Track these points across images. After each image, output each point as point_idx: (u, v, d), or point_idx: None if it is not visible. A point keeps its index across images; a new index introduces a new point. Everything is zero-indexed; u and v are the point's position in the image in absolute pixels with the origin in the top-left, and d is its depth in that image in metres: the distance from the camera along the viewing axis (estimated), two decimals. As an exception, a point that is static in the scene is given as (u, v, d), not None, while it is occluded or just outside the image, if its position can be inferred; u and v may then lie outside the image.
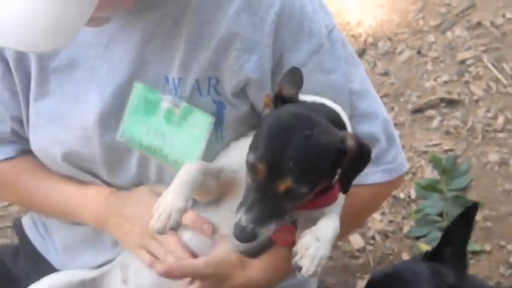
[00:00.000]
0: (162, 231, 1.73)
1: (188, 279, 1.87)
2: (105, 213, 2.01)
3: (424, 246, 2.85)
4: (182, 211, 1.73)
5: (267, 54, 1.88)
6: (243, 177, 1.72)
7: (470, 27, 3.62)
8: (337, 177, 1.71)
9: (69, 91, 1.97)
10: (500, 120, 3.25)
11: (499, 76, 3.40)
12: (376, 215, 2.98)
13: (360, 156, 1.67)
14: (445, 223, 2.88)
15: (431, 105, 3.34)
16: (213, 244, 1.87)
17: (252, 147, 1.67)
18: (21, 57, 1.98)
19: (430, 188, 3.00)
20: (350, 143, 1.64)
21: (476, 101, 3.33)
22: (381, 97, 3.33)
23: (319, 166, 1.65)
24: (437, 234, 2.86)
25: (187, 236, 1.93)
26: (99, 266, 2.06)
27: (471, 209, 1.92)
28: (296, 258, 1.69)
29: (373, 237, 2.94)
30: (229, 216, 1.74)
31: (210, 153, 1.90)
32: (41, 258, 2.25)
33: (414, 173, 3.12)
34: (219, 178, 1.85)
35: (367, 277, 2.81)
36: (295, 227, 1.81)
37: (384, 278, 2.00)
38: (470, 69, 3.45)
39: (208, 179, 1.80)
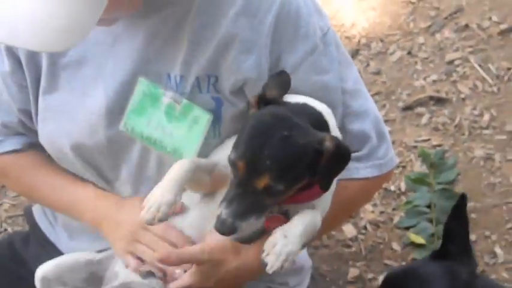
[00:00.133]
0: (150, 222, 1.74)
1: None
2: (100, 216, 2.03)
3: (413, 236, 2.85)
4: (171, 204, 1.74)
5: (264, 55, 1.88)
6: None
7: (458, 30, 3.62)
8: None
9: (77, 86, 1.97)
10: (486, 117, 3.25)
11: (485, 76, 3.40)
12: (368, 206, 2.99)
13: (338, 157, 1.67)
14: (433, 214, 2.89)
15: (421, 103, 3.34)
16: (209, 233, 1.87)
17: (235, 145, 1.69)
18: (33, 55, 1.99)
19: (419, 181, 3.00)
20: (327, 144, 1.64)
21: (463, 99, 3.33)
22: (373, 95, 3.35)
23: (296, 166, 1.65)
24: (426, 225, 2.87)
25: (184, 224, 1.94)
26: (104, 252, 2.08)
27: (461, 201, 1.92)
28: (263, 255, 1.69)
29: (365, 227, 2.94)
30: None
31: (207, 147, 1.91)
32: (50, 245, 2.25)
33: (404, 167, 3.12)
34: (212, 173, 1.85)
35: (359, 265, 2.83)
36: (287, 218, 1.81)
37: (399, 276, 1.98)
38: (457, 69, 3.45)
39: (201, 174, 1.80)
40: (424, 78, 3.43)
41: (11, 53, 2.01)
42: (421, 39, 3.60)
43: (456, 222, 1.90)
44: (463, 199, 1.92)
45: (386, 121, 3.23)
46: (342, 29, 3.71)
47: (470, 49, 3.52)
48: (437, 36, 3.60)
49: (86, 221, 2.06)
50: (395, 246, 2.88)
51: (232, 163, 1.67)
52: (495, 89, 3.35)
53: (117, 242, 1.98)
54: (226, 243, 1.85)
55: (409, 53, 3.56)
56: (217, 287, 1.87)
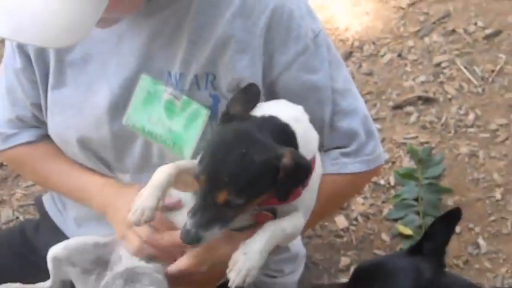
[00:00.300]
0: (137, 224, 1.75)
1: None
2: (105, 202, 2.03)
3: (402, 228, 2.86)
4: (154, 209, 1.74)
5: (258, 55, 1.88)
6: None
7: (446, 34, 3.61)
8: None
9: (83, 82, 1.97)
10: (471, 116, 3.25)
11: (471, 77, 3.40)
12: (359, 199, 2.99)
13: (296, 172, 1.65)
14: (420, 207, 2.89)
15: (410, 103, 3.33)
16: None
17: (199, 160, 1.68)
18: (41, 51, 1.98)
19: (407, 175, 3.00)
20: (285, 161, 1.62)
21: (450, 100, 3.33)
22: (365, 94, 3.36)
23: (254, 182, 1.64)
24: (413, 217, 2.88)
25: (180, 218, 1.94)
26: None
27: (455, 213, 1.90)
28: (227, 271, 1.71)
29: (356, 219, 2.94)
30: None
31: (205, 142, 1.90)
32: (59, 232, 2.26)
33: (393, 162, 3.12)
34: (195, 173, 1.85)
35: (350, 254, 2.83)
36: (275, 215, 1.81)
37: (369, 268, 1.99)
38: (444, 71, 3.45)
39: (185, 176, 1.79)
40: (413, 79, 3.43)
41: (22, 50, 2.01)
42: (410, 43, 3.60)
43: (442, 227, 1.90)
44: (457, 212, 1.90)
45: (377, 119, 3.25)
46: (337, 32, 3.70)
47: (456, 52, 3.52)
48: (426, 39, 3.60)
49: (94, 207, 2.06)
50: (385, 236, 2.87)
51: (196, 176, 1.67)
52: (480, 90, 3.35)
53: (117, 226, 1.99)
54: None
55: (399, 55, 3.55)
56: (211, 271, 1.86)
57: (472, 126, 3.21)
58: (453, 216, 1.90)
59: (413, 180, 2.98)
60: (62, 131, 2.04)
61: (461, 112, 3.27)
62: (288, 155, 1.63)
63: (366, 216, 2.94)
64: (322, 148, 1.99)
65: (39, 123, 2.11)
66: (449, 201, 2.93)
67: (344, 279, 2.10)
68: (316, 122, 1.93)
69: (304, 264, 2.40)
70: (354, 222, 2.93)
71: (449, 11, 3.72)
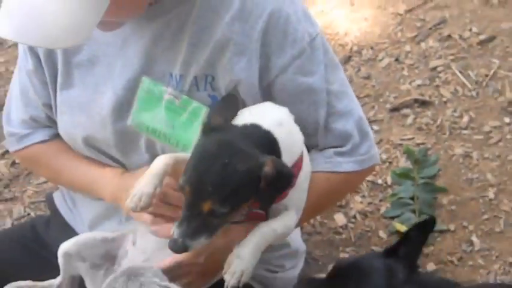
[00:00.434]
0: (134, 210, 1.76)
1: None
2: (118, 191, 2.02)
3: (398, 225, 2.85)
4: (151, 195, 1.75)
5: (255, 58, 1.87)
6: None
7: (442, 39, 3.61)
8: None
9: (90, 83, 1.97)
10: (465, 119, 3.24)
11: (465, 81, 3.40)
12: (357, 198, 2.98)
13: (277, 181, 1.65)
14: (416, 206, 2.88)
15: (407, 105, 3.33)
16: None
17: (184, 171, 1.68)
18: (50, 53, 1.99)
19: (403, 175, 3.00)
20: (267, 169, 1.62)
21: (445, 102, 3.32)
22: (363, 97, 3.35)
23: (236, 191, 1.64)
24: (409, 215, 2.87)
25: None
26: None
27: (430, 222, 1.96)
28: (222, 273, 1.72)
29: (354, 216, 2.93)
30: None
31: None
32: (69, 228, 2.25)
33: (390, 163, 3.11)
34: None
35: (348, 250, 2.82)
36: (267, 214, 1.82)
37: (347, 266, 2.01)
38: (440, 75, 3.44)
39: (181, 166, 1.77)
40: (410, 83, 3.42)
41: (33, 52, 2.01)
42: (407, 48, 3.59)
43: (417, 233, 1.93)
44: (431, 221, 1.96)
45: (375, 121, 3.24)
46: (336, 37, 3.70)
47: (452, 57, 3.51)
48: (422, 45, 3.60)
49: (106, 197, 2.06)
50: (382, 234, 2.87)
51: (180, 187, 1.67)
52: (474, 93, 3.34)
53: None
54: None
55: (397, 59, 3.55)
56: (207, 263, 1.86)
57: (466, 128, 3.20)
58: (428, 225, 1.95)
59: (410, 180, 2.97)
60: (69, 130, 2.04)
61: (456, 115, 3.26)
62: (269, 163, 1.63)
63: (364, 214, 2.93)
64: (317, 147, 1.99)
65: (52, 122, 2.11)
66: (444, 200, 2.93)
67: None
68: (311, 123, 1.93)
69: (304, 260, 2.39)
70: (353, 220, 2.92)
71: (445, 17, 3.72)
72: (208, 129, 1.72)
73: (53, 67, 2.01)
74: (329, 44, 2.01)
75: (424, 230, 1.94)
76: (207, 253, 1.83)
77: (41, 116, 2.10)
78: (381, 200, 2.97)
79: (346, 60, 3.55)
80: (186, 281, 1.90)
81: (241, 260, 1.71)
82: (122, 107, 1.94)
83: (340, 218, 2.92)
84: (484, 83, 3.38)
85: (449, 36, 3.62)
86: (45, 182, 3.13)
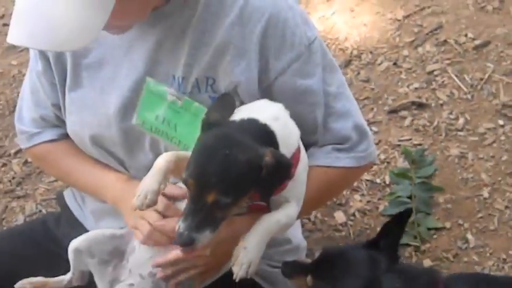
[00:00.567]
0: (140, 208, 1.75)
1: None
2: (119, 196, 2.03)
3: (396, 224, 2.84)
4: (156, 192, 1.74)
5: (254, 60, 1.88)
6: None
7: (438, 44, 3.60)
8: None
9: (97, 84, 1.98)
10: (461, 121, 3.23)
11: (461, 85, 3.39)
12: (357, 196, 2.98)
13: (277, 170, 1.64)
14: (413, 204, 2.87)
15: (404, 107, 3.32)
16: None
17: (186, 166, 1.67)
18: (59, 56, 2.00)
19: (401, 175, 2.99)
20: (267, 159, 1.62)
21: (441, 105, 3.31)
22: (363, 100, 3.35)
23: (239, 180, 1.64)
24: (407, 213, 2.85)
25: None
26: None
27: (405, 213, 1.97)
28: (230, 265, 1.72)
29: (353, 214, 2.93)
30: None
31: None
32: (78, 224, 2.26)
33: (389, 163, 3.10)
34: None
35: (348, 247, 2.81)
36: (268, 205, 1.81)
37: (332, 254, 2.02)
38: (437, 78, 3.43)
39: (183, 164, 1.77)
40: (407, 86, 3.41)
41: (43, 54, 2.02)
42: (405, 52, 3.59)
43: (395, 225, 1.95)
44: (407, 212, 1.97)
45: (373, 123, 3.24)
46: (337, 42, 3.69)
47: (448, 61, 3.51)
48: (420, 49, 3.59)
49: (108, 200, 2.06)
50: (380, 231, 2.86)
51: (184, 181, 1.67)
52: (469, 96, 3.33)
53: (128, 219, 1.99)
54: None
55: (395, 63, 3.54)
56: (214, 255, 1.85)
57: (461, 130, 3.19)
58: (404, 217, 1.96)
59: (407, 179, 2.97)
60: (77, 129, 2.04)
61: (452, 117, 3.25)
62: (269, 154, 1.63)
63: (363, 212, 2.93)
64: (317, 144, 2.00)
65: (61, 122, 2.12)
66: (440, 199, 2.92)
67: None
68: (310, 123, 1.94)
69: (305, 256, 2.39)
70: (352, 218, 2.92)
71: (442, 23, 3.71)
72: (207, 125, 1.71)
73: (62, 69, 2.02)
74: (330, 48, 2.02)
75: (400, 221, 1.97)
76: (212, 246, 1.82)
77: (50, 115, 2.11)
78: (379, 199, 2.97)
79: (346, 64, 3.55)
80: (193, 274, 1.89)
81: (248, 251, 1.71)
82: (127, 107, 1.95)
83: (340, 216, 2.92)
84: (479, 87, 3.37)
85: (445, 41, 3.61)
86: (56, 181, 3.13)
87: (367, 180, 3.02)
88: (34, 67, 2.08)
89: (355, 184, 3.00)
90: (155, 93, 1.91)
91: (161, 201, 1.86)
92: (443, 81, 3.41)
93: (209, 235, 1.67)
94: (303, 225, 2.74)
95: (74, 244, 2.02)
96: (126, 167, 2.04)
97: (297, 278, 2.03)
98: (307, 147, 1.92)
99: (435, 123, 3.23)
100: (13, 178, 3.20)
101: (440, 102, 3.32)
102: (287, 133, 1.76)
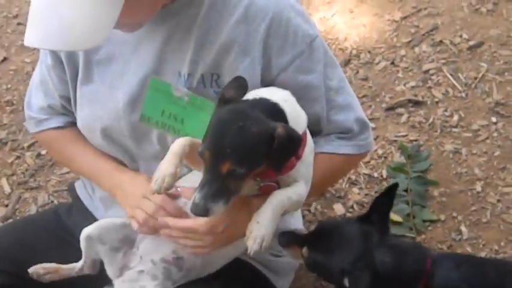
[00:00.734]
0: (158, 192, 1.74)
1: None
2: (115, 187, 2.05)
3: (392, 215, 2.82)
4: (174, 175, 1.74)
5: (257, 58, 1.88)
6: None
7: (434, 44, 3.60)
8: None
9: (107, 79, 1.98)
10: (455, 118, 3.23)
11: (455, 83, 3.38)
12: (355, 189, 2.98)
13: (288, 142, 1.65)
14: (409, 197, 2.87)
15: (401, 105, 3.32)
16: None
17: (203, 140, 1.68)
18: (71, 53, 2.00)
19: (398, 169, 2.99)
20: (279, 131, 1.62)
21: (437, 103, 3.31)
22: (361, 97, 3.35)
23: (252, 150, 1.64)
24: (403, 206, 2.86)
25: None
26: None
27: (392, 188, 2.02)
28: (245, 239, 1.72)
29: (352, 207, 2.93)
30: None
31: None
32: (89, 214, 2.26)
33: (386, 157, 3.10)
34: None
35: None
36: (278, 185, 1.82)
37: (328, 226, 2.05)
38: (432, 77, 3.43)
39: (196, 149, 1.77)
40: (404, 84, 3.41)
41: (53, 51, 2.03)
42: (402, 52, 3.58)
43: (384, 200, 2.01)
44: (393, 187, 2.02)
45: (371, 119, 3.23)
46: (337, 42, 3.69)
47: (443, 61, 3.50)
48: (416, 49, 3.59)
49: (105, 188, 2.08)
50: (377, 223, 2.86)
51: (201, 153, 1.67)
52: (463, 94, 3.33)
53: (126, 208, 2.00)
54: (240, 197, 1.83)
55: (392, 63, 3.54)
56: (225, 233, 1.85)
57: (456, 127, 3.19)
58: (391, 190, 2.02)
59: (403, 174, 2.96)
60: (89, 122, 2.05)
61: (447, 114, 3.25)
62: (280, 127, 1.64)
63: (361, 205, 2.93)
64: (321, 134, 2.01)
65: (67, 111, 2.15)
66: (435, 193, 2.92)
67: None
68: (313, 117, 1.94)
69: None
70: (350, 210, 2.92)
71: (438, 24, 3.71)
72: (222, 101, 1.72)
73: (74, 66, 2.03)
74: (330, 48, 2.02)
75: (389, 196, 2.01)
76: (225, 224, 1.82)
77: (57, 105, 2.15)
78: (376, 192, 2.97)
79: (346, 63, 3.55)
80: (197, 245, 1.88)
81: (261, 225, 1.71)
82: (136, 102, 1.95)
83: (339, 208, 2.92)
84: (473, 85, 3.36)
85: (441, 41, 3.61)
86: (67, 173, 3.13)
87: (365, 174, 3.02)
88: (44, 60, 2.11)
89: (354, 177, 3.01)
90: (160, 90, 1.92)
91: (158, 197, 1.88)
92: (438, 80, 3.41)
93: (223, 206, 1.66)
94: (303, 217, 2.74)
95: (86, 232, 2.03)
96: (135, 158, 2.05)
97: (293, 248, 2.05)
98: (311, 136, 1.93)
99: (430, 120, 3.23)
100: (26, 170, 3.20)
101: (436, 100, 3.32)
102: (296, 114, 1.77)
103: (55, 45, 1.65)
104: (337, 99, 2.00)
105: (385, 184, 2.98)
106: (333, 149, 2.01)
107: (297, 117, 1.77)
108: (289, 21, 1.89)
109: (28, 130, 2.27)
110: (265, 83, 1.91)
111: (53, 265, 2.09)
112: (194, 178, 1.85)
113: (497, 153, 3.05)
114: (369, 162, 3.06)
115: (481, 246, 2.72)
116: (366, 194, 2.96)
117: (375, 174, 3.03)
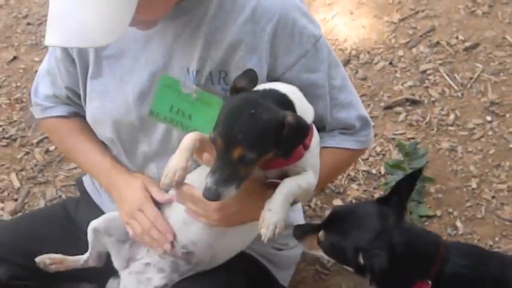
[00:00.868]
0: (170, 185, 1.75)
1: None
2: (111, 185, 2.07)
3: (390, 211, 2.83)
4: (185, 169, 1.75)
5: (264, 57, 1.89)
6: None
7: (431, 46, 3.60)
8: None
9: (117, 74, 1.99)
10: (451, 117, 3.23)
11: (452, 83, 3.38)
12: (354, 185, 2.98)
13: (297, 129, 1.66)
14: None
15: (399, 104, 3.32)
16: None
17: (214, 126, 1.68)
18: (82, 49, 2.01)
19: (395, 166, 2.99)
20: (289, 118, 1.64)
21: (434, 102, 3.31)
22: (360, 96, 3.26)
23: (263, 136, 1.64)
24: (400, 202, 2.85)
25: (171, 213, 1.95)
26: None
27: (416, 173, 1.99)
28: (258, 227, 1.72)
29: (351, 202, 2.92)
30: None
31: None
32: (96, 207, 2.26)
33: (384, 155, 3.10)
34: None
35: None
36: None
37: (342, 211, 2.03)
38: (429, 77, 3.43)
39: (205, 145, 1.79)
40: (402, 84, 3.41)
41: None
42: (400, 53, 3.58)
43: (406, 184, 1.96)
44: (418, 172, 1.98)
45: (370, 118, 3.22)
46: (337, 42, 3.69)
47: (440, 61, 3.50)
48: (414, 50, 3.59)
49: (102, 185, 2.12)
50: (375, 218, 2.86)
51: (213, 140, 1.67)
52: (459, 94, 3.33)
53: (121, 212, 2.01)
54: (257, 187, 1.84)
55: (391, 63, 3.54)
56: (234, 215, 1.86)
57: (452, 125, 3.19)
58: (414, 177, 1.98)
59: (401, 170, 2.96)
60: (99, 115, 2.05)
61: (443, 113, 3.25)
62: (290, 115, 1.65)
63: (360, 200, 2.92)
64: (324, 130, 2.02)
65: (71, 102, 2.17)
66: (432, 189, 2.92)
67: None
68: (317, 114, 1.94)
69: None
70: (349, 205, 2.92)
71: (435, 26, 3.70)
72: (234, 90, 1.73)
73: (85, 62, 2.04)
74: (330, 48, 2.02)
75: (411, 181, 1.97)
76: (234, 208, 1.83)
77: (63, 95, 2.17)
78: (374, 188, 2.97)
79: (345, 63, 3.54)
80: (203, 216, 1.88)
81: (273, 212, 1.71)
82: (145, 96, 1.96)
83: (338, 203, 2.91)
84: (469, 85, 3.36)
85: (438, 42, 3.61)
86: (75, 168, 3.14)
87: (364, 170, 3.02)
88: (53, 53, 2.12)
89: (353, 174, 3.01)
90: (169, 86, 1.92)
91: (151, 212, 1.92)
92: (435, 80, 3.41)
93: (234, 191, 1.67)
94: (304, 212, 2.74)
95: (93, 224, 2.03)
96: (133, 154, 2.05)
97: (308, 239, 2.02)
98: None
99: (427, 118, 3.23)
100: (35, 165, 3.20)
101: (433, 99, 3.32)
102: (304, 106, 1.79)
103: (73, 42, 1.67)
104: (340, 97, 2.02)
105: (383, 180, 2.98)
106: (336, 143, 2.03)
107: (305, 109, 1.78)
108: (295, 21, 1.90)
109: (34, 115, 2.27)
110: (271, 80, 1.91)
111: (59, 256, 2.09)
112: (195, 175, 1.86)
113: (492, 151, 3.05)
114: (367, 159, 3.06)
115: (475, 241, 2.72)
116: (365, 190, 2.96)
117: (373, 171, 3.03)
